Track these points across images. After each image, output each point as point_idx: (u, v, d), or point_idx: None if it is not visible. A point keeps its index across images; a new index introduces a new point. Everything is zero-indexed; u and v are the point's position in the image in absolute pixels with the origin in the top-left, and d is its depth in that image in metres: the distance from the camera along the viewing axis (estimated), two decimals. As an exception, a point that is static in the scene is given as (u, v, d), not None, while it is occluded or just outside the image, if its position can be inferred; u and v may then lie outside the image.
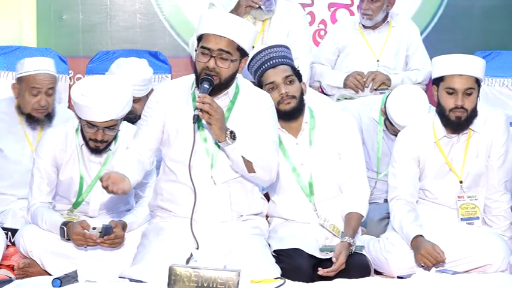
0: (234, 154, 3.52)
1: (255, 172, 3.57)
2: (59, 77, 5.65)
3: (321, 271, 3.60)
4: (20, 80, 4.49)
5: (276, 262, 3.60)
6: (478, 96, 3.93)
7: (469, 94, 3.87)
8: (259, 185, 3.77)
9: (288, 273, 3.53)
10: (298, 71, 3.95)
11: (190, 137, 3.52)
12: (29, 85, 4.43)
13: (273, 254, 3.70)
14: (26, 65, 4.47)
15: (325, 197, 3.89)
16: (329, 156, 3.90)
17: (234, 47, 3.53)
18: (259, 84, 3.93)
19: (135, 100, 4.35)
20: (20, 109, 4.52)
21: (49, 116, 4.52)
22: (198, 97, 3.46)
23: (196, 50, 3.58)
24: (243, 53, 3.58)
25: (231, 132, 3.48)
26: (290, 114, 3.88)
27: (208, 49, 3.51)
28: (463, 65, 3.86)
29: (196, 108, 3.45)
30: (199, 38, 3.57)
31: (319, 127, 3.92)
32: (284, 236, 3.80)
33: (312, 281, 3.55)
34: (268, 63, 3.89)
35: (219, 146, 3.57)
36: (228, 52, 3.51)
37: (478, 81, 3.90)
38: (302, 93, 3.90)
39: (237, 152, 3.51)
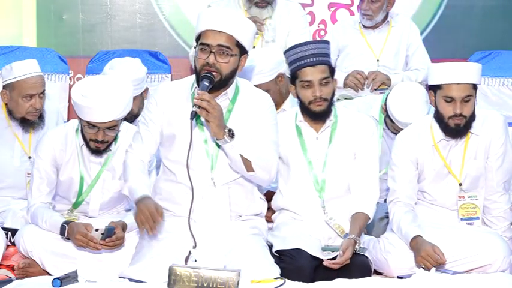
0: (233, 152, 3.52)
1: (254, 171, 3.56)
2: (59, 77, 5.68)
3: (326, 262, 3.63)
4: (10, 86, 4.44)
5: (278, 262, 3.60)
6: (475, 99, 3.94)
7: (467, 101, 3.87)
8: (262, 184, 3.77)
9: (289, 273, 3.53)
10: (334, 68, 3.95)
11: (189, 137, 3.52)
12: (22, 92, 4.40)
13: (275, 253, 3.71)
14: (15, 70, 4.42)
15: (334, 195, 3.90)
16: (345, 155, 3.92)
17: (233, 42, 3.52)
18: (293, 74, 3.91)
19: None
20: (10, 114, 4.50)
21: (41, 117, 4.52)
22: (197, 94, 3.46)
23: (195, 47, 3.58)
24: (242, 50, 3.57)
25: (229, 130, 3.48)
26: (318, 116, 3.91)
27: (208, 45, 3.50)
28: (460, 73, 3.85)
29: (194, 105, 3.45)
30: (198, 37, 3.57)
31: (340, 126, 3.94)
32: (286, 235, 3.81)
33: (313, 282, 3.55)
34: (309, 60, 3.85)
35: (219, 146, 3.57)
36: (227, 47, 3.50)
37: (475, 86, 3.90)
38: (333, 94, 3.93)
39: (235, 150, 3.51)
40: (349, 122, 3.96)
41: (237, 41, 3.53)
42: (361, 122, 3.99)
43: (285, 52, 4.00)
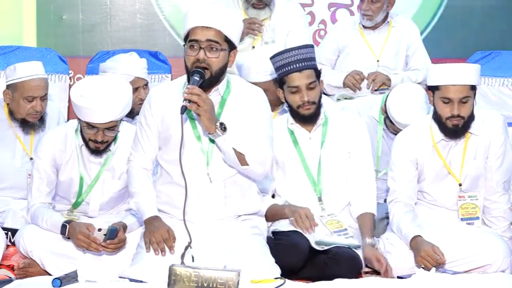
0: (225, 146, 3.50)
1: (248, 165, 3.54)
2: (59, 77, 5.67)
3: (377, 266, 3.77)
4: (12, 86, 4.45)
5: (274, 240, 3.69)
6: (474, 99, 3.93)
7: (465, 102, 3.87)
8: (257, 178, 3.75)
9: (285, 250, 3.62)
10: (320, 71, 4.04)
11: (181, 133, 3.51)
12: (24, 93, 4.41)
13: (271, 234, 3.79)
14: (18, 71, 4.43)
15: (331, 191, 3.97)
16: (340, 153, 4.01)
17: (222, 37, 3.51)
18: (280, 80, 4.01)
19: (145, 86, 4.69)
20: (12, 114, 4.51)
21: (42, 120, 4.53)
22: (187, 88, 3.44)
23: (184, 46, 3.57)
24: (231, 45, 3.56)
25: (221, 123, 3.47)
26: (308, 119, 4.00)
27: (197, 41, 3.49)
28: (457, 74, 3.85)
29: (184, 99, 3.43)
30: (186, 37, 3.55)
31: (331, 124, 4.04)
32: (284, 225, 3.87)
33: (308, 259, 3.64)
34: (295, 66, 3.95)
35: (213, 142, 3.55)
36: (216, 42, 3.50)
37: (473, 87, 3.90)
38: (321, 96, 4.02)
39: (228, 143, 3.49)
40: (339, 121, 4.07)
41: (226, 36, 3.52)
42: (351, 121, 4.10)
43: (271, 58, 4.06)
